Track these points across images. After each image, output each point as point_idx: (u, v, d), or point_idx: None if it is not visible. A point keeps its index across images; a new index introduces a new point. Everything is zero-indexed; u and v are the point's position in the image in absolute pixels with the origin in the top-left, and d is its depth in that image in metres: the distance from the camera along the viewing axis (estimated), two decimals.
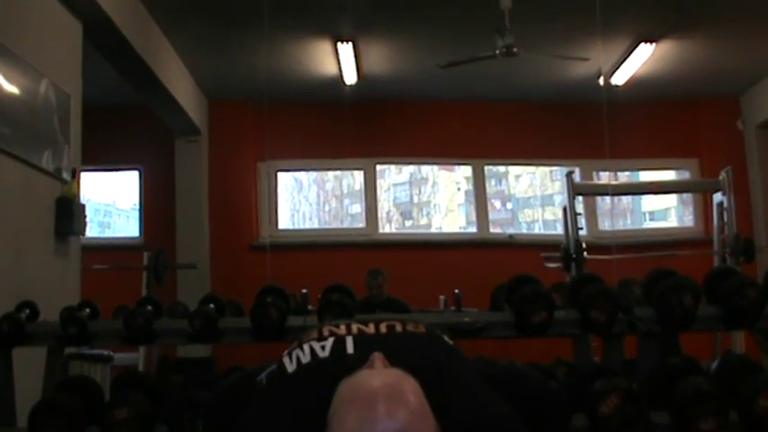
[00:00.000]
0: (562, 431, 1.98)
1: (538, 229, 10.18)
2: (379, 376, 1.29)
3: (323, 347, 1.49)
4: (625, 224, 9.99)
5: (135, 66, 6.16)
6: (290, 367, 1.49)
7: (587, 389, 2.51)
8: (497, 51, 6.18)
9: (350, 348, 1.48)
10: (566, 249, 6.64)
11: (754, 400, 2.45)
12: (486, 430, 1.40)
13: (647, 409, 2.50)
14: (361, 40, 7.03)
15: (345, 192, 10.05)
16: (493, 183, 9.86)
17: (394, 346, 1.48)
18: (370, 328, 1.56)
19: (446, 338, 1.62)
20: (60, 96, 4.70)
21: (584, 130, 8.41)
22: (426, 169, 10.22)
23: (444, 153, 9.12)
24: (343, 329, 1.55)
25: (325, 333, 1.54)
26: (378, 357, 1.33)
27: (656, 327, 2.92)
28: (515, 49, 6.15)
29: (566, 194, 7.10)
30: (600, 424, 2.42)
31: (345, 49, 7.09)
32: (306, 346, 1.51)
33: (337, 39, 6.93)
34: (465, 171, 9.57)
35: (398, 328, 1.57)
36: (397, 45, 7.37)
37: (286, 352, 1.53)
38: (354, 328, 1.55)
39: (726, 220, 6.90)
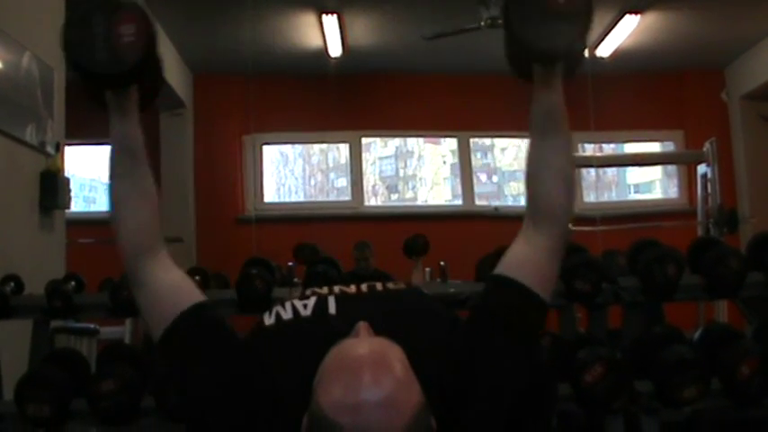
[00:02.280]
0: (553, 395, 2.00)
1: (524, 202, 10.17)
2: (364, 344, 1.29)
3: (305, 306, 1.52)
4: (610, 196, 10.02)
5: None
6: (269, 321, 1.51)
7: (572, 358, 2.54)
8: (482, 23, 6.16)
9: (332, 308, 1.51)
10: None
11: (736, 367, 2.48)
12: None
13: (631, 377, 2.52)
14: (346, 13, 6.99)
15: (331, 165, 10.03)
16: (479, 156, 9.86)
17: (375, 305, 1.50)
18: (352, 289, 1.58)
19: (425, 292, 1.64)
20: (43, 70, 4.66)
21: (568, 102, 8.28)
22: (412, 142, 10.20)
23: (430, 126, 9.11)
24: (325, 290, 1.57)
25: (308, 293, 1.56)
26: (363, 326, 1.34)
27: (640, 297, 2.94)
28: (500, 21, 6.12)
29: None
30: (584, 393, 2.45)
31: (330, 22, 7.05)
32: (288, 304, 1.53)
33: (322, 11, 6.89)
34: (451, 144, 9.56)
35: (379, 287, 1.60)
36: (382, 17, 7.33)
37: (268, 310, 1.55)
38: (336, 288, 1.58)
39: (710, 191, 6.93)
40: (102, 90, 1.55)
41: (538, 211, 1.59)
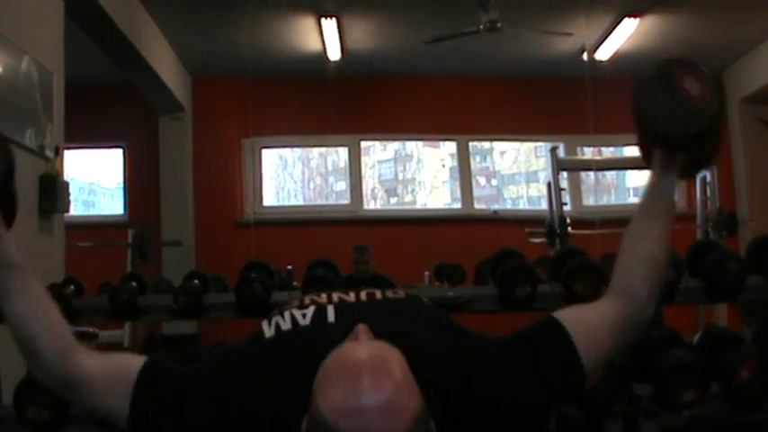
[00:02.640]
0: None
1: (523, 206, 10.19)
2: (363, 348, 1.29)
3: (303, 315, 1.50)
4: (609, 200, 10.02)
5: (118, 43, 6.11)
6: (269, 332, 1.50)
7: None
8: (481, 27, 6.17)
9: (331, 317, 1.50)
10: (550, 225, 6.65)
11: (735, 371, 2.48)
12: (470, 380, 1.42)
13: (631, 381, 2.52)
14: (345, 16, 7.00)
15: (330, 169, 10.03)
16: (478, 159, 9.86)
17: (374, 313, 1.49)
18: (351, 297, 1.57)
19: (426, 301, 1.64)
20: (42, 74, 4.66)
21: (568, 105, 8.40)
22: (411, 146, 10.20)
23: (429, 129, 9.11)
24: (324, 298, 1.56)
25: (307, 302, 1.55)
26: (362, 329, 1.33)
27: None
28: (499, 25, 6.15)
29: (550, 170, 7.12)
30: (583, 396, 2.44)
31: (329, 25, 7.05)
32: (287, 314, 1.52)
33: (321, 14, 6.90)
34: (450, 148, 9.56)
35: (378, 295, 1.59)
36: (380, 21, 7.34)
37: (265, 319, 1.54)
38: (335, 297, 1.57)
39: (709, 194, 6.93)
40: None
41: (616, 284, 1.60)
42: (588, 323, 1.53)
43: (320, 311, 1.51)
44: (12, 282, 1.56)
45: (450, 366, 1.43)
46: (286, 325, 1.49)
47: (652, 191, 1.68)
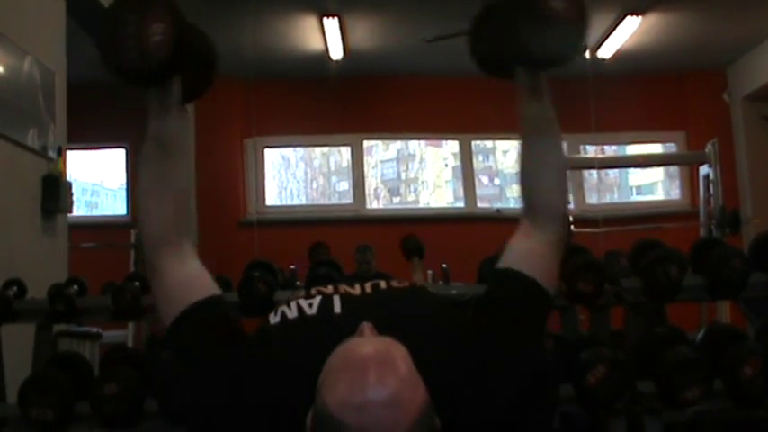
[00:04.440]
0: (554, 395, 2.00)
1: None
2: (368, 344, 1.29)
3: (310, 305, 1.51)
4: (612, 198, 10.01)
5: None
6: (274, 320, 1.51)
7: (574, 359, 2.53)
8: None
9: (337, 308, 1.50)
10: None
11: (738, 368, 2.48)
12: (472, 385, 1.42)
13: (634, 378, 2.52)
14: (347, 16, 7.00)
15: (333, 169, 10.03)
16: (480, 158, 9.86)
17: (380, 302, 1.51)
18: (356, 290, 1.58)
19: (430, 290, 1.65)
20: (44, 74, 4.67)
21: (570, 103, 8.29)
22: (414, 145, 10.20)
23: (431, 128, 9.10)
24: (330, 289, 1.57)
25: (313, 292, 1.56)
26: (367, 327, 1.34)
27: (643, 297, 2.94)
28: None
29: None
30: (587, 393, 2.45)
31: (331, 25, 7.06)
32: (293, 303, 1.53)
33: (323, 14, 6.90)
34: (452, 147, 9.55)
35: (383, 285, 1.60)
36: (382, 20, 7.34)
37: (273, 309, 1.55)
38: (341, 288, 1.58)
39: (712, 192, 6.93)
40: (140, 86, 1.60)
41: (537, 209, 1.63)
42: (533, 255, 1.57)
43: (326, 301, 1.52)
44: (154, 159, 1.63)
45: (454, 355, 1.43)
46: (292, 313, 1.50)
47: (533, 109, 1.68)
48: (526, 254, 1.57)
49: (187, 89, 1.67)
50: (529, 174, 1.66)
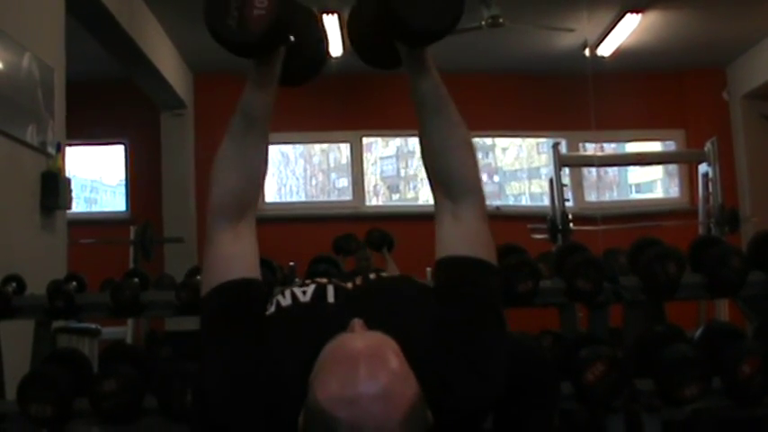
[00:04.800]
0: (555, 393, 2.00)
1: (525, 202, 10.18)
2: (360, 339, 1.31)
3: (304, 293, 1.54)
4: (611, 196, 10.01)
5: (119, 39, 6.11)
6: (270, 310, 1.53)
7: (573, 357, 2.54)
8: (483, 22, 6.17)
9: (330, 297, 1.53)
10: (552, 221, 6.66)
11: (737, 366, 2.48)
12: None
13: (632, 376, 2.53)
14: (347, 12, 6.98)
15: (332, 165, 10.02)
16: (480, 155, 9.82)
17: (371, 292, 1.55)
18: (348, 284, 1.61)
19: (417, 280, 1.68)
20: (44, 70, 4.67)
21: (570, 101, 8.40)
22: (413, 142, 10.17)
23: None
24: (324, 280, 1.60)
25: (307, 281, 1.60)
26: (357, 323, 1.35)
27: (641, 296, 2.94)
28: (501, 20, 6.14)
29: (552, 166, 7.11)
30: (585, 391, 2.45)
31: (331, 21, 7.05)
32: (287, 292, 1.55)
33: (323, 10, 6.89)
34: None
35: (372, 275, 1.65)
36: None
37: (269, 301, 1.57)
38: (335, 280, 1.61)
39: (711, 190, 6.93)
40: (242, 56, 1.65)
41: (454, 186, 1.63)
42: (467, 235, 1.58)
43: (320, 290, 1.55)
44: (238, 130, 1.71)
45: (438, 342, 1.44)
46: (286, 301, 1.53)
47: (425, 86, 1.73)
48: (460, 236, 1.58)
49: (291, 71, 1.75)
50: (436, 154, 1.67)
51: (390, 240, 6.32)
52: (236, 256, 1.56)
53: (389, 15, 1.59)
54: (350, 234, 6.30)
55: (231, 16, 1.54)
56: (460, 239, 1.57)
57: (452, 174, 1.63)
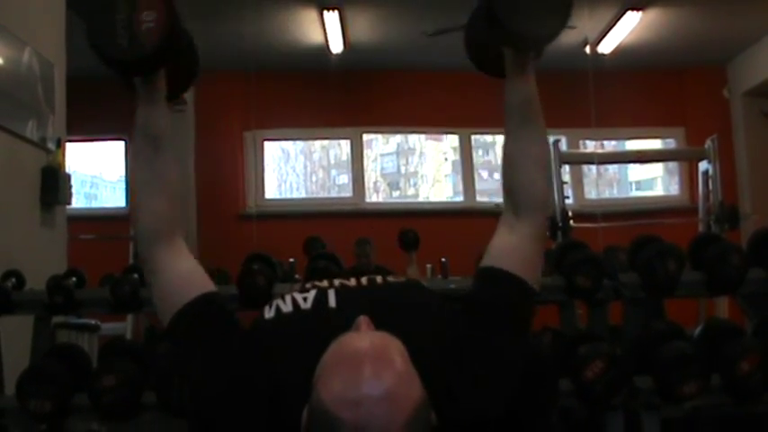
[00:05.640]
0: (555, 389, 2.00)
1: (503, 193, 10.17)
2: (364, 338, 1.29)
3: (305, 299, 1.52)
4: (611, 193, 10.01)
5: None
6: (269, 314, 1.51)
7: (572, 354, 2.54)
8: None
9: (332, 302, 1.50)
10: (552, 218, 6.65)
11: (736, 363, 2.48)
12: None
13: (632, 373, 2.53)
14: (348, 9, 6.99)
15: (332, 162, 10.02)
16: (480, 153, 9.84)
17: (375, 298, 1.51)
18: (352, 282, 1.58)
19: (425, 286, 1.65)
20: (44, 65, 4.66)
21: (570, 98, 8.37)
22: (413, 139, 10.19)
23: (431, 122, 9.09)
24: (325, 283, 1.57)
25: (308, 286, 1.57)
26: (363, 320, 1.34)
27: (641, 293, 2.94)
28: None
29: (552, 163, 7.11)
30: (584, 388, 2.45)
31: (331, 18, 7.05)
32: (287, 297, 1.53)
33: (323, 7, 6.88)
34: (452, 141, 9.54)
35: (379, 279, 1.60)
36: (383, 13, 7.33)
37: (268, 303, 1.55)
38: (337, 282, 1.58)
39: (711, 188, 6.92)
40: (128, 76, 1.60)
41: (520, 200, 1.61)
42: (516, 251, 1.56)
43: (321, 295, 1.53)
44: (146, 153, 1.63)
45: (449, 355, 1.43)
46: (287, 308, 1.51)
47: (519, 96, 1.67)
48: (510, 250, 1.57)
49: (172, 83, 1.67)
50: (513, 164, 1.64)
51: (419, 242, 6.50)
52: (186, 274, 1.55)
53: (499, 22, 1.56)
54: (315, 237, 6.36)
55: (120, 35, 1.50)
56: (508, 254, 1.56)
57: (522, 189, 1.61)
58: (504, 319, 1.50)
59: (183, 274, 1.55)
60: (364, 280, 1.60)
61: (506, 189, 1.65)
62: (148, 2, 1.50)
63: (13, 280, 3.42)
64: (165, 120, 1.65)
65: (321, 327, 1.39)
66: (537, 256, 1.60)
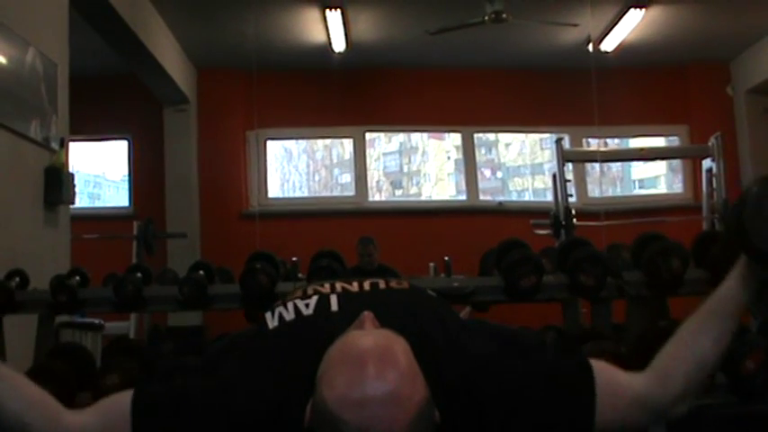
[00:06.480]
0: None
1: (528, 198, 10.18)
2: (368, 337, 1.28)
3: (307, 305, 1.50)
4: (615, 191, 10.01)
5: (122, 35, 6.11)
6: (272, 323, 1.50)
7: (576, 353, 2.53)
8: (486, 17, 6.16)
9: (334, 306, 1.49)
10: (555, 216, 6.65)
11: (740, 362, 2.47)
12: (474, 377, 1.40)
13: (635, 371, 2.51)
14: (350, 8, 6.99)
15: (335, 161, 10.03)
16: (483, 151, 9.85)
17: (378, 303, 1.47)
18: (354, 287, 1.57)
19: (429, 291, 1.63)
20: (47, 65, 4.66)
21: (573, 96, 8.39)
22: (416, 138, 10.20)
23: (434, 121, 9.09)
24: (327, 288, 1.56)
25: (310, 291, 1.55)
26: (367, 317, 1.33)
27: (645, 291, 2.93)
28: (504, 15, 6.14)
29: (555, 162, 7.11)
30: None
31: (334, 17, 7.05)
32: (290, 304, 1.51)
33: (325, 6, 6.89)
34: (455, 140, 9.55)
35: (382, 285, 1.58)
36: (385, 12, 7.33)
37: (268, 311, 1.54)
38: (338, 286, 1.56)
39: (715, 185, 6.92)
40: None
41: (658, 368, 1.48)
42: (617, 387, 1.43)
43: (323, 301, 1.51)
44: None
45: (450, 360, 1.41)
46: (289, 315, 1.49)
47: (726, 293, 1.54)
48: (617, 387, 1.44)
49: None
50: (679, 346, 1.51)
51: None
52: (100, 410, 1.44)
53: (741, 234, 1.48)
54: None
55: None
56: (610, 382, 1.44)
57: (667, 362, 1.49)
58: (554, 415, 1.40)
59: (99, 419, 1.43)
60: (367, 284, 1.58)
61: (666, 354, 1.51)
62: None
63: (17, 279, 3.42)
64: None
65: (324, 331, 1.37)
66: (623, 411, 1.44)
